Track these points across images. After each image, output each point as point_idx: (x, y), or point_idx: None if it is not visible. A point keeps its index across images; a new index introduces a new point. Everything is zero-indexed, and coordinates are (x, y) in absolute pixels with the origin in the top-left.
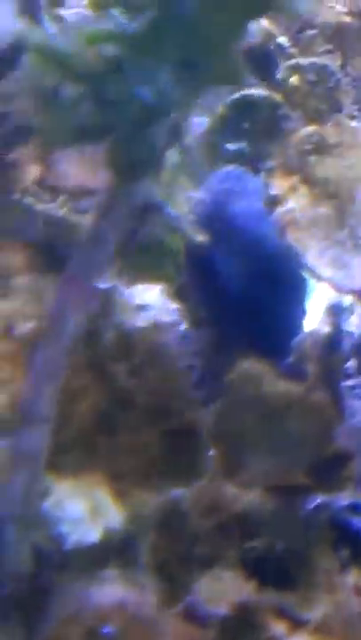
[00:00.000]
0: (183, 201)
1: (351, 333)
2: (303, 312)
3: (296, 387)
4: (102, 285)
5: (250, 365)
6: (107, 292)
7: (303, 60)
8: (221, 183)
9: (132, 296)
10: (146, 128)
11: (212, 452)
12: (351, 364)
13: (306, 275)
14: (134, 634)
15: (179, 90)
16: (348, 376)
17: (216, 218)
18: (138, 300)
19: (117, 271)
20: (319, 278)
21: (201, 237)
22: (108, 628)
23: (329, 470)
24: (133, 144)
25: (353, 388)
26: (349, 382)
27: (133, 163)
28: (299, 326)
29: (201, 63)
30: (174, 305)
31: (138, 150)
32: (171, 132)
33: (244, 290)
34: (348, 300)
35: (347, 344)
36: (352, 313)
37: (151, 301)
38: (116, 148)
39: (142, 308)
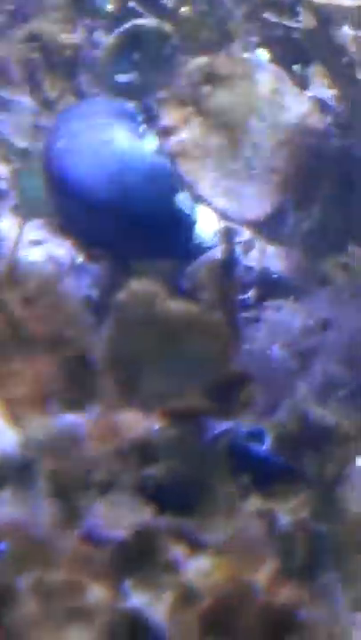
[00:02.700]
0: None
1: (251, 267)
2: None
3: (191, 307)
4: None
5: (139, 285)
6: None
7: None
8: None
9: (24, 231)
10: None
11: (107, 378)
12: (250, 295)
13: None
14: (28, 552)
15: None
16: (247, 307)
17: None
18: (31, 236)
19: (12, 208)
20: (213, 209)
21: (22, 144)
22: (2, 545)
23: (227, 394)
24: None
25: (252, 319)
26: (249, 314)
27: None
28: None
29: None
30: (66, 239)
31: None
32: None
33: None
34: (247, 233)
35: (246, 276)
36: (252, 247)
37: (44, 237)
38: None
39: (35, 243)
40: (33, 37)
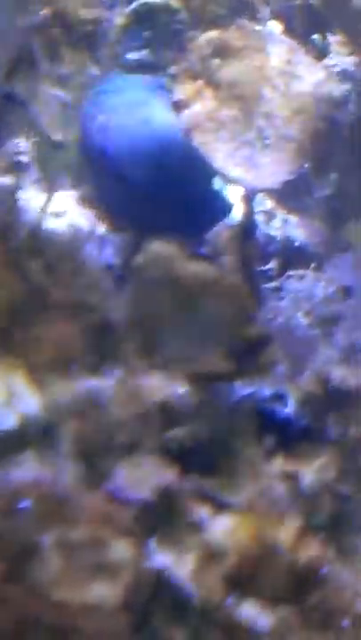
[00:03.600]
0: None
1: (274, 237)
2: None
3: (210, 268)
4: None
5: (158, 247)
6: (9, 188)
7: None
8: (98, 87)
9: (46, 202)
10: None
11: (128, 341)
12: (273, 266)
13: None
14: (51, 509)
15: None
16: (270, 278)
17: (95, 115)
18: (53, 208)
19: (33, 180)
20: (229, 179)
21: (56, 137)
22: (25, 503)
23: (249, 355)
24: None
25: (276, 289)
26: (272, 284)
27: None
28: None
29: None
30: (91, 211)
31: None
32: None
33: (143, 176)
34: (268, 203)
35: (269, 246)
36: (274, 217)
37: (66, 208)
38: None
39: (57, 214)
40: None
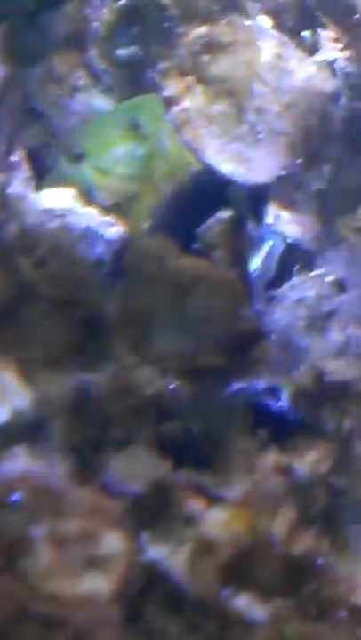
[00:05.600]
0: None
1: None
2: None
3: (201, 262)
4: None
5: (149, 241)
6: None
7: None
8: None
9: (38, 200)
10: (38, 17)
11: (120, 336)
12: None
13: None
14: (42, 502)
15: None
16: (271, 285)
17: None
18: (46, 204)
19: (22, 178)
20: (220, 174)
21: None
22: (16, 496)
23: (242, 350)
24: (26, 31)
25: (269, 285)
26: (275, 292)
27: (25, 50)
28: None
29: None
30: (84, 208)
31: (30, 38)
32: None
33: None
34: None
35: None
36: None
37: (59, 205)
38: (9, 36)
39: (49, 211)
40: None
